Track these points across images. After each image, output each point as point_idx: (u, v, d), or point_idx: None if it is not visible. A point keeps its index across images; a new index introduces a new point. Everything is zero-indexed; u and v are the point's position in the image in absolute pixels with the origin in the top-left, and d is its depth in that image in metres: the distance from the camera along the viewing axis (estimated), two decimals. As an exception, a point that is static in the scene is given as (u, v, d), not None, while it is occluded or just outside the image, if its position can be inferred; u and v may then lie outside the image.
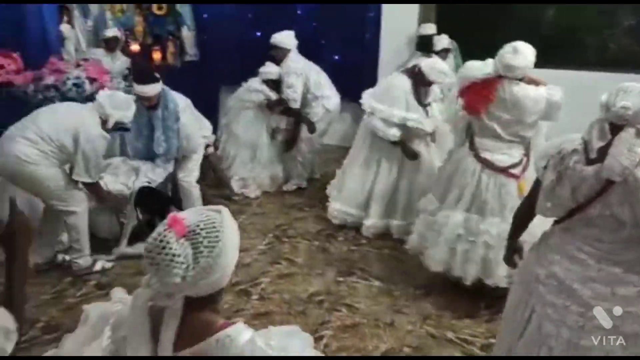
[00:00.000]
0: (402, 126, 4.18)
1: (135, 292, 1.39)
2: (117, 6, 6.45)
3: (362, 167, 4.52)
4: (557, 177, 2.00)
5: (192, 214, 1.34)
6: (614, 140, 1.88)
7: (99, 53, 5.90)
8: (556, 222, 2.14)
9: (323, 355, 1.94)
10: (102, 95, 3.72)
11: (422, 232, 3.72)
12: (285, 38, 5.25)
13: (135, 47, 6.58)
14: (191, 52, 6.87)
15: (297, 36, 5.32)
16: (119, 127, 3.82)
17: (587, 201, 1.94)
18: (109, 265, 3.98)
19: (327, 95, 5.38)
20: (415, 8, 6.36)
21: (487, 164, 3.39)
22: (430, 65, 4.13)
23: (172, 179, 4.52)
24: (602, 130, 1.92)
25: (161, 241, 1.26)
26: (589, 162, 1.93)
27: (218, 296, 1.38)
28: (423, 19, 6.32)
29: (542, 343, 2.09)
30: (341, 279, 3.91)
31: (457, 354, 3.15)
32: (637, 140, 1.85)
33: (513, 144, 3.39)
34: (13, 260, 1.48)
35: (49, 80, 4.39)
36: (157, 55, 6.69)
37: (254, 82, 5.39)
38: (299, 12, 6.77)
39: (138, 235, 4.13)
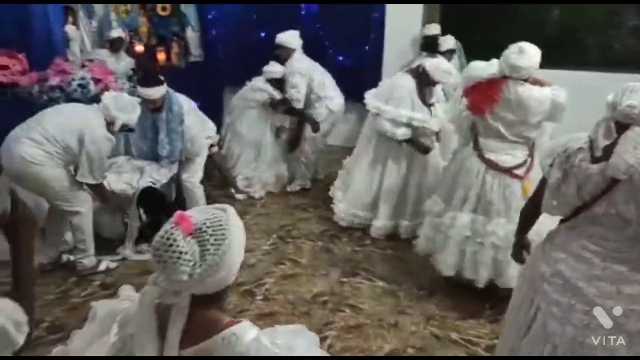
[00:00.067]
0: (409, 126, 4.18)
1: (142, 290, 1.40)
2: (122, 7, 6.47)
3: (369, 168, 4.51)
4: (562, 175, 2.01)
5: (198, 213, 1.35)
6: (620, 138, 1.90)
7: (104, 54, 5.91)
8: (562, 221, 2.15)
9: (328, 355, 1.94)
10: (107, 97, 3.74)
11: (429, 235, 3.72)
12: (290, 38, 5.25)
13: (139, 47, 6.59)
14: (195, 52, 6.87)
15: (301, 37, 5.32)
16: (124, 128, 3.84)
17: (593, 199, 1.95)
18: (113, 265, 3.99)
19: (331, 96, 5.37)
20: (419, 9, 6.35)
21: (491, 165, 3.39)
22: (435, 65, 4.13)
23: (176, 179, 4.53)
24: (608, 129, 1.94)
25: (168, 239, 1.27)
26: (595, 160, 1.95)
27: (224, 294, 1.39)
28: (427, 20, 6.31)
29: (546, 341, 2.09)
30: (345, 279, 3.91)
31: (462, 355, 3.15)
32: None
33: (517, 145, 3.39)
34: (18, 250, 1.49)
35: (54, 81, 4.39)
36: (161, 56, 6.70)
37: (258, 81, 5.40)
38: (303, 12, 6.78)
39: (143, 236, 4.14)
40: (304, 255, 4.26)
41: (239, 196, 5.33)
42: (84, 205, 3.76)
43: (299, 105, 5.28)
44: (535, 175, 3.03)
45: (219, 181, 5.49)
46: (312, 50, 5.50)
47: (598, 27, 6.05)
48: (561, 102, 3.25)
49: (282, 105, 5.36)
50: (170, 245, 1.26)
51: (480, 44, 5.34)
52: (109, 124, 3.69)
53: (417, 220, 4.20)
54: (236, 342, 1.27)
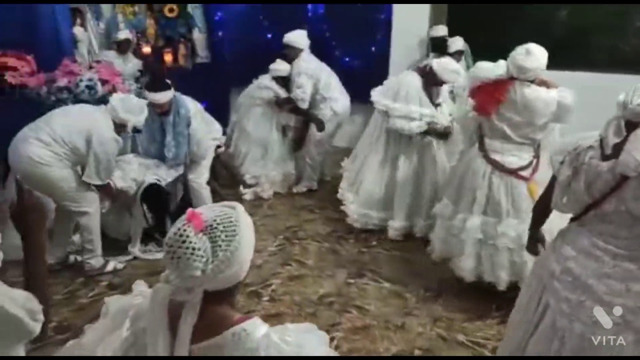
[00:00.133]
0: (420, 120, 4.16)
1: (155, 287, 1.41)
2: (129, 9, 6.50)
3: (379, 167, 4.48)
4: (572, 173, 2.03)
5: (208, 210, 1.36)
6: (630, 136, 1.91)
7: (111, 55, 5.94)
8: (572, 219, 2.16)
9: (338, 355, 1.93)
10: (115, 99, 3.76)
11: (443, 238, 3.70)
12: (298, 38, 5.27)
13: (146, 49, 6.63)
14: (202, 54, 6.90)
15: (308, 38, 5.33)
16: (132, 129, 3.86)
17: (602, 197, 1.97)
18: (120, 265, 4.00)
19: (336, 98, 5.38)
20: (426, 9, 6.33)
21: (496, 166, 3.38)
22: (443, 65, 4.11)
23: (183, 180, 4.54)
24: (619, 127, 1.96)
25: (181, 235, 1.28)
26: (605, 158, 1.97)
27: (235, 290, 1.40)
28: (434, 21, 6.30)
29: (554, 337, 2.09)
30: (351, 280, 3.91)
31: (468, 356, 3.14)
32: None
33: (523, 146, 3.38)
34: (28, 238, 1.50)
35: (62, 82, 4.41)
36: (168, 58, 6.74)
37: (264, 79, 5.42)
38: (309, 14, 6.80)
39: (149, 236, 4.15)
40: (311, 257, 4.26)
41: (247, 196, 5.34)
42: (92, 206, 3.77)
43: (304, 105, 5.29)
44: (541, 177, 3.03)
45: (227, 180, 5.50)
46: (318, 51, 5.50)
47: (605, 28, 6.02)
48: (568, 103, 3.24)
49: (287, 104, 5.37)
50: (184, 242, 1.26)
51: (487, 44, 5.32)
52: (119, 127, 3.70)
53: (433, 218, 4.14)
54: (246, 338, 1.27)
